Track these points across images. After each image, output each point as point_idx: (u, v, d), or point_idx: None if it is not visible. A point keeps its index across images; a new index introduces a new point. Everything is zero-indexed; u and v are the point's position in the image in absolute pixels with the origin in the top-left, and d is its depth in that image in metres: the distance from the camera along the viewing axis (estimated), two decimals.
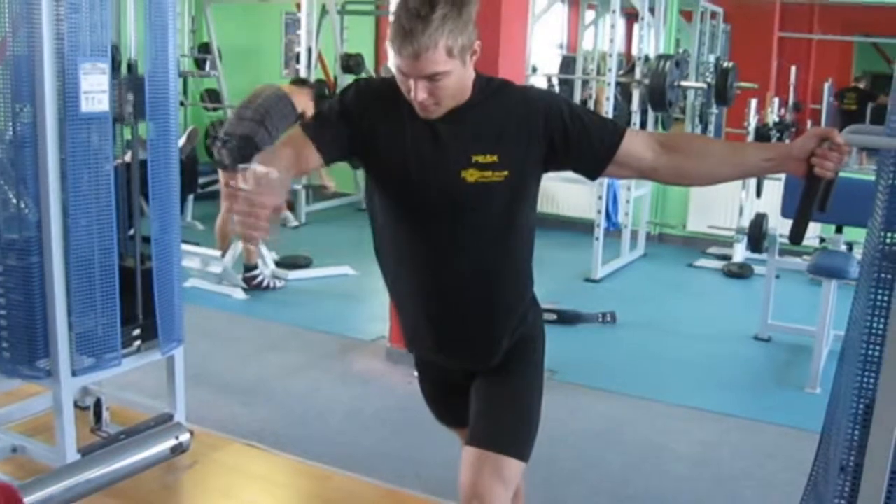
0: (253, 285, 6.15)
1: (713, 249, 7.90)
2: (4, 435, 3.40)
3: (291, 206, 8.52)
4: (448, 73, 1.92)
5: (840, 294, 4.84)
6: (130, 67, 3.28)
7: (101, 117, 3.01)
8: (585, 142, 2.04)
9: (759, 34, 9.96)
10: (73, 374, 3.13)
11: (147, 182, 3.26)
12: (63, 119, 2.92)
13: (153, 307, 3.32)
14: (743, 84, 8.03)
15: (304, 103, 6.24)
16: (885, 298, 1.89)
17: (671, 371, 5.06)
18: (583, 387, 4.69)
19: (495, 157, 2.00)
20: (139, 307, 3.33)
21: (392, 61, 1.94)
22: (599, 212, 6.96)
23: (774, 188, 6.49)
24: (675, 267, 7.58)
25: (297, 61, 8.70)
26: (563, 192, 8.26)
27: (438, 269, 2.14)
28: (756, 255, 6.84)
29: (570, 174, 2.19)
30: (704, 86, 8.08)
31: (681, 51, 8.43)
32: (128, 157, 3.40)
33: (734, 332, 5.71)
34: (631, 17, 8.80)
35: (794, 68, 9.21)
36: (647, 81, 7.14)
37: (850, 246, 5.28)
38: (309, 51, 8.44)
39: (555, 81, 9.79)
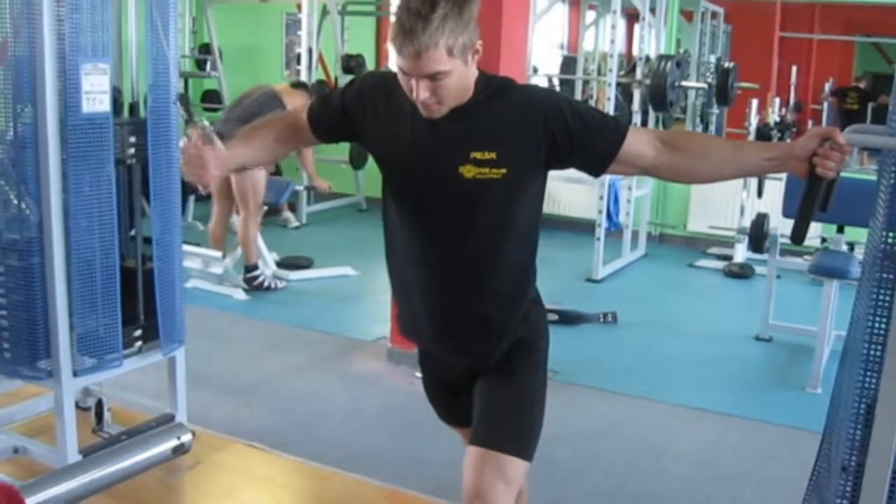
0: (254, 286, 6.15)
1: (714, 250, 7.90)
2: (6, 436, 3.40)
3: (293, 207, 8.52)
4: (449, 73, 1.93)
5: (841, 294, 4.84)
6: (133, 109, 3.28)
7: (102, 118, 3.01)
8: (588, 141, 2.04)
9: (759, 34, 9.95)
10: (75, 374, 3.13)
11: (148, 182, 3.26)
12: (64, 120, 2.91)
13: (154, 308, 3.32)
14: (744, 84, 8.03)
15: (297, 104, 6.23)
16: (887, 298, 1.88)
17: (672, 371, 5.06)
18: (584, 387, 4.70)
19: (494, 155, 2.01)
20: (140, 308, 3.33)
21: (394, 60, 1.95)
22: (600, 212, 6.96)
23: (775, 188, 6.49)
24: (676, 267, 7.58)
25: (298, 62, 8.70)
26: (564, 192, 8.26)
27: (437, 262, 2.17)
28: (757, 256, 6.84)
29: (571, 174, 2.20)
30: (705, 86, 8.07)
31: (682, 51, 8.43)
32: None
33: (735, 333, 5.71)
34: (631, 17, 8.80)
35: (794, 68, 9.21)
36: (647, 82, 7.14)
37: (851, 246, 5.28)
38: (310, 51, 8.44)
39: (556, 82, 9.79)
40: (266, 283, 6.21)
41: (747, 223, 6.78)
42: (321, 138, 2.31)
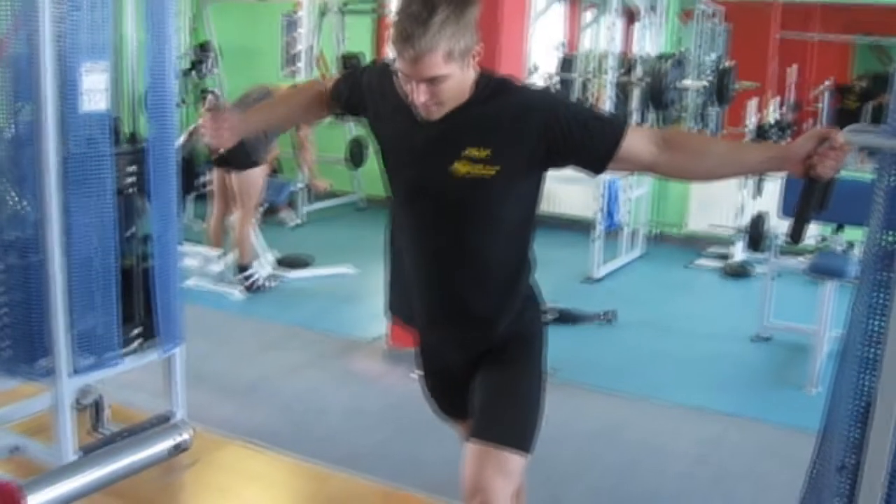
0: (247, 286, 6.14)
1: (712, 249, 7.90)
2: (4, 434, 3.40)
3: (292, 206, 8.52)
4: (448, 76, 1.95)
5: (839, 294, 4.84)
6: (133, 138, 3.28)
7: (101, 116, 3.01)
8: (587, 141, 2.05)
9: (758, 34, 9.93)
10: (73, 373, 3.13)
11: (146, 174, 3.26)
12: (63, 118, 2.92)
13: (153, 306, 3.32)
14: (742, 84, 8.03)
15: None
16: (884, 299, 1.89)
17: (670, 370, 5.06)
18: (582, 386, 4.70)
19: (487, 152, 2.04)
20: (139, 306, 3.33)
21: (396, 63, 1.98)
22: (599, 211, 6.96)
23: (774, 188, 6.48)
24: (675, 266, 7.59)
25: (297, 61, 8.70)
26: (562, 191, 8.25)
27: (430, 252, 2.21)
28: (755, 255, 6.85)
29: (570, 173, 2.21)
30: (704, 85, 8.07)
31: (680, 51, 8.42)
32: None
33: (733, 332, 5.71)
34: (630, 16, 8.79)
35: (793, 68, 9.20)
36: (646, 81, 7.14)
37: (849, 246, 5.28)
38: (309, 51, 8.44)
39: (554, 81, 9.78)
40: (259, 283, 6.20)
41: (746, 223, 6.78)
42: (337, 110, 2.45)
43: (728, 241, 7.58)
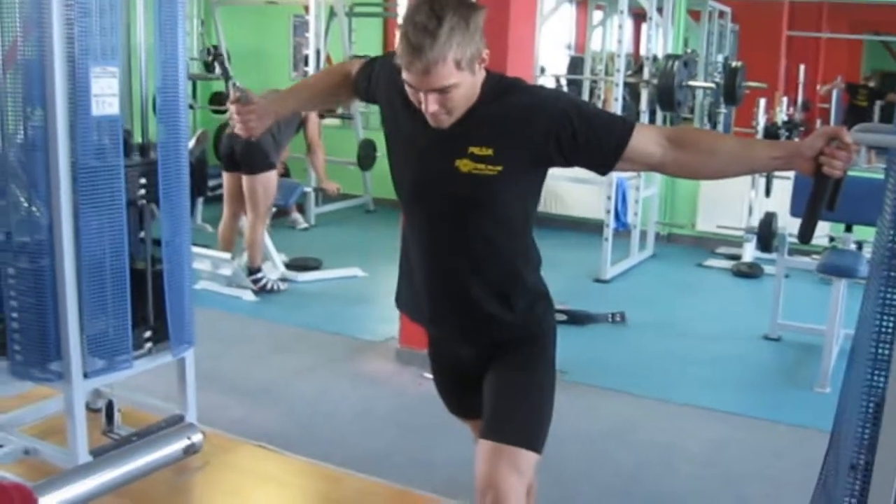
0: (257, 288, 6.16)
1: (722, 249, 7.89)
2: (17, 437, 3.41)
3: (301, 209, 8.53)
4: (458, 85, 1.97)
5: (850, 293, 4.83)
6: (143, 150, 3.29)
7: (112, 120, 3.02)
8: (594, 142, 2.06)
9: (767, 33, 9.94)
10: (85, 376, 3.13)
11: (157, 179, 3.27)
12: (74, 122, 2.93)
13: (164, 309, 3.33)
14: (751, 83, 8.02)
15: None
16: (895, 297, 1.88)
17: (681, 371, 5.06)
18: (592, 387, 4.70)
19: (491, 151, 2.05)
20: (150, 309, 3.34)
21: (403, 75, 1.99)
22: (608, 212, 6.96)
23: (783, 187, 6.48)
24: (685, 267, 7.58)
25: (306, 64, 8.71)
26: (571, 192, 8.26)
27: (434, 248, 2.23)
28: (765, 255, 6.83)
29: (579, 174, 2.23)
30: (713, 85, 8.07)
31: (689, 51, 8.42)
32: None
33: (744, 332, 5.70)
34: (639, 17, 8.79)
35: (802, 67, 9.19)
36: (655, 81, 7.14)
37: (859, 245, 5.27)
38: (317, 53, 8.45)
39: (563, 82, 9.79)
40: (269, 286, 6.21)
41: (755, 223, 6.77)
42: (358, 96, 2.48)
43: (738, 241, 7.57)
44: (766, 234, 6.30)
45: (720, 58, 8.58)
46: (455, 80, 1.95)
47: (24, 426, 3.60)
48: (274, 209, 6.92)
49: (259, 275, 6.17)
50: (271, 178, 6.04)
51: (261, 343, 5.32)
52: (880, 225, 2.04)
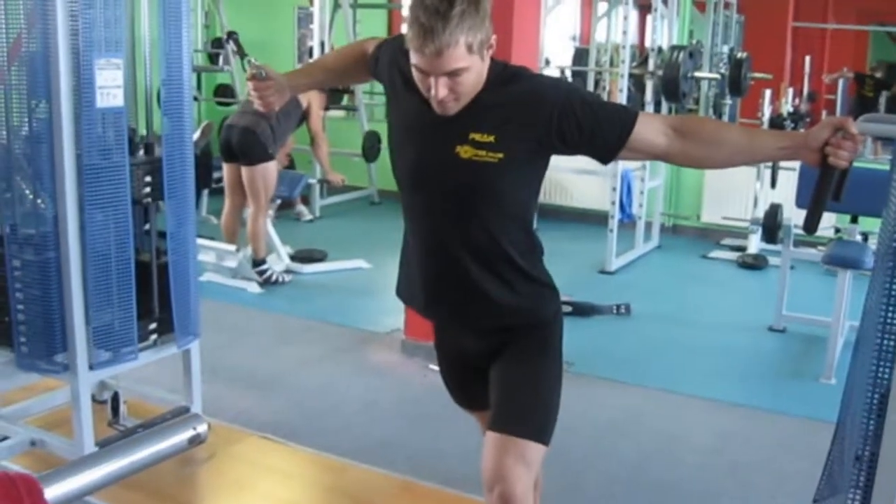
0: (262, 280, 6.16)
1: (728, 240, 7.89)
2: (23, 429, 3.43)
3: (306, 201, 8.54)
4: (468, 69, 1.97)
5: (855, 284, 4.82)
6: (148, 148, 3.30)
7: (116, 112, 3.02)
8: (598, 130, 2.05)
9: (773, 24, 9.91)
10: (91, 368, 3.14)
11: (162, 177, 3.28)
12: (78, 114, 2.93)
13: (169, 301, 3.34)
14: (757, 74, 8.00)
15: (312, 101, 6.30)
16: None
17: (686, 362, 5.06)
18: (598, 378, 4.70)
19: (492, 138, 2.04)
20: (155, 301, 3.34)
21: (412, 60, 1.98)
22: (613, 203, 6.95)
23: (789, 178, 6.47)
24: (690, 258, 7.57)
25: (310, 55, 8.71)
26: (576, 183, 8.25)
27: (432, 235, 2.22)
28: (771, 246, 6.82)
29: (584, 165, 2.22)
30: (718, 76, 8.04)
31: (694, 42, 8.40)
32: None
33: (749, 323, 5.70)
34: (644, 8, 8.77)
35: (808, 58, 9.17)
36: (660, 73, 7.12)
37: (865, 236, 5.26)
38: (322, 45, 8.45)
39: (568, 73, 9.77)
40: (273, 277, 6.22)
41: (761, 214, 6.76)
42: (376, 77, 2.44)
43: (743, 233, 7.56)
44: (772, 226, 6.28)
45: (725, 49, 8.55)
46: (466, 63, 1.95)
47: (31, 418, 3.62)
48: (279, 201, 6.93)
49: (264, 266, 6.18)
50: (270, 168, 6.04)
51: (266, 335, 5.33)
52: (886, 216, 2.04)
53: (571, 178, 8.04)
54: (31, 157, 2.98)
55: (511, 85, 2.08)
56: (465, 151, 2.05)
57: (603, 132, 2.06)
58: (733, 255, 7.46)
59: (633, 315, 5.79)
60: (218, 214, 6.85)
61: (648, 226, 7.75)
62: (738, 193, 7.64)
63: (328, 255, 6.93)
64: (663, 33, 7.80)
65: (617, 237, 6.93)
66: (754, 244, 7.38)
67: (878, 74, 9.96)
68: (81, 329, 3.08)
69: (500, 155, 2.04)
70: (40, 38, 2.88)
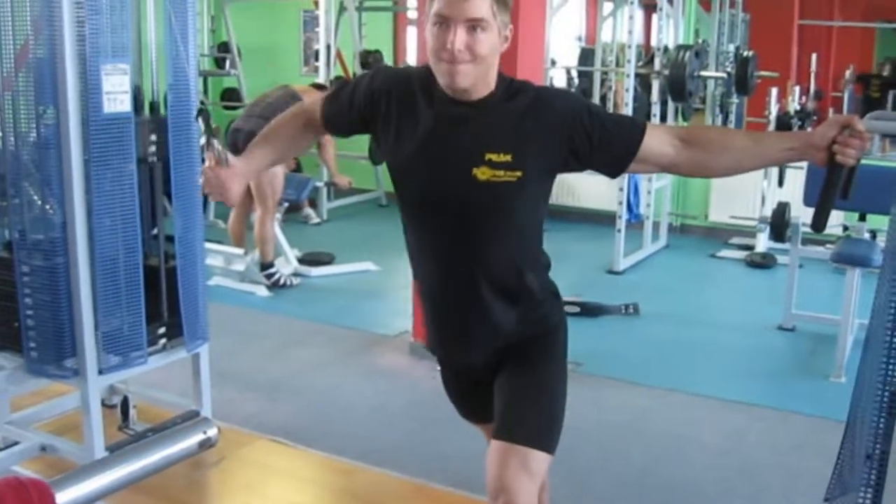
0: (270, 283, 6.17)
1: (735, 240, 7.87)
2: (33, 434, 3.43)
3: (313, 204, 8.55)
4: (489, 27, 1.95)
5: (864, 282, 4.81)
6: (153, 108, 3.30)
7: (124, 118, 3.03)
8: (607, 144, 2.05)
9: (778, 22, 9.89)
10: (100, 372, 3.15)
11: (170, 181, 3.28)
12: (86, 120, 2.94)
13: (178, 305, 3.34)
14: (763, 73, 7.99)
15: (315, 100, 6.29)
16: None
17: (694, 361, 5.05)
18: (606, 378, 4.70)
19: (509, 157, 2.01)
20: (164, 306, 3.35)
21: (433, 9, 1.97)
22: (621, 203, 6.95)
23: (796, 177, 6.46)
24: (698, 258, 7.56)
25: (316, 59, 8.72)
26: (584, 184, 8.25)
27: (444, 256, 2.18)
28: (779, 245, 6.81)
29: None
30: (724, 75, 8.03)
31: (700, 41, 8.39)
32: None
33: (758, 322, 5.69)
34: (649, 7, 8.76)
35: (814, 56, 9.14)
36: (666, 72, 7.12)
37: (873, 234, 5.25)
38: (328, 48, 8.46)
39: (574, 74, 9.77)
40: (281, 281, 6.23)
41: (768, 213, 6.74)
42: (335, 134, 2.40)
43: (751, 232, 7.54)
44: (780, 224, 6.27)
45: (731, 47, 8.53)
46: (489, 17, 1.94)
47: (41, 423, 3.63)
48: (286, 204, 6.93)
49: (272, 270, 6.19)
50: (277, 172, 6.05)
51: (275, 338, 5.33)
52: (894, 213, 2.03)
53: (579, 179, 8.03)
54: (39, 162, 2.99)
55: (519, 98, 2.06)
56: (482, 173, 2.01)
57: (613, 144, 2.05)
58: (741, 255, 7.45)
59: (641, 315, 5.78)
60: (225, 218, 6.87)
61: (656, 226, 7.75)
62: (745, 192, 7.63)
63: (336, 257, 6.94)
64: (669, 33, 7.79)
65: (625, 237, 6.93)
66: (762, 243, 7.37)
67: (885, 72, 9.93)
68: (91, 334, 3.08)
69: (519, 173, 2.01)
70: (47, 45, 2.88)
